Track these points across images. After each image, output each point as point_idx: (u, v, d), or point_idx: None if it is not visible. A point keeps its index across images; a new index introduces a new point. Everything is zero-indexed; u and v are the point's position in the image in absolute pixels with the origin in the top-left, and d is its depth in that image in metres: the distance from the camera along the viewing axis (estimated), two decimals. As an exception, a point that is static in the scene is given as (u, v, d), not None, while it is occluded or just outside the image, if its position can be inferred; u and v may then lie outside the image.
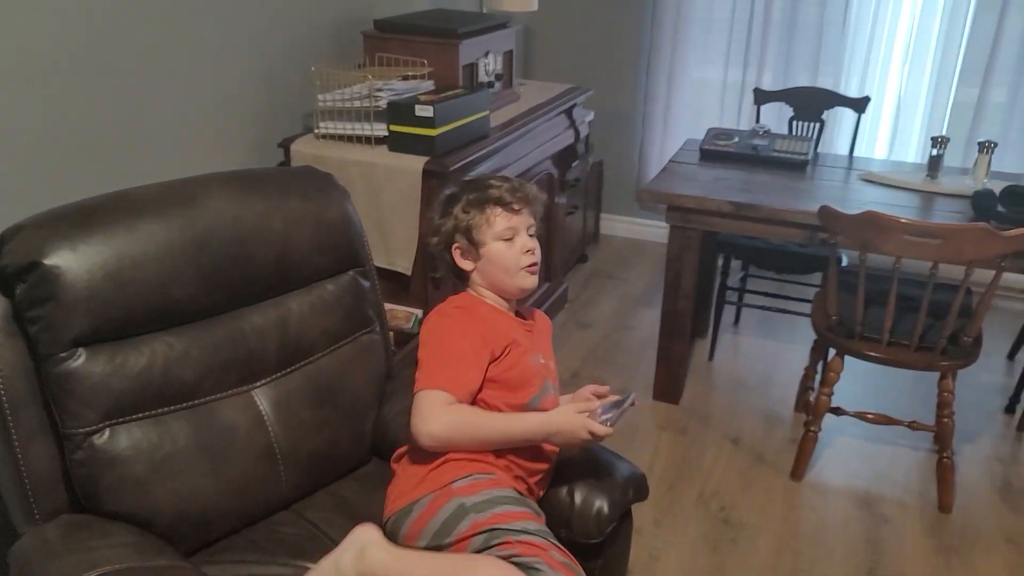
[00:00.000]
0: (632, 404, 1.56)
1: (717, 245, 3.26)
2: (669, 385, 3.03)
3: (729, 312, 3.63)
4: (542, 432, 1.52)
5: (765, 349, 3.48)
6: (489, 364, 1.54)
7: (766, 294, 3.46)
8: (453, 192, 1.65)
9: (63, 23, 1.90)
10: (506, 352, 1.55)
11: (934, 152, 2.84)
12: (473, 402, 1.53)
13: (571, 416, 1.52)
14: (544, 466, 1.60)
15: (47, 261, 1.42)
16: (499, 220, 1.59)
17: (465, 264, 1.63)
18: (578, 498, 1.63)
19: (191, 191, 1.62)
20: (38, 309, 1.42)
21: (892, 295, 2.36)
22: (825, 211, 2.39)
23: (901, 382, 3.20)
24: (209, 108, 2.35)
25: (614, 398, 1.61)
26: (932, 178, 2.85)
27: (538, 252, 1.62)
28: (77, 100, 1.97)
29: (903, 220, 2.25)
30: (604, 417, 1.53)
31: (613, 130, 4.35)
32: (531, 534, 1.39)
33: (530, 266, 1.60)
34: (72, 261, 1.44)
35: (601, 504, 1.62)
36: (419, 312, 2.54)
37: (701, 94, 4.16)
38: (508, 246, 1.59)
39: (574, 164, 3.51)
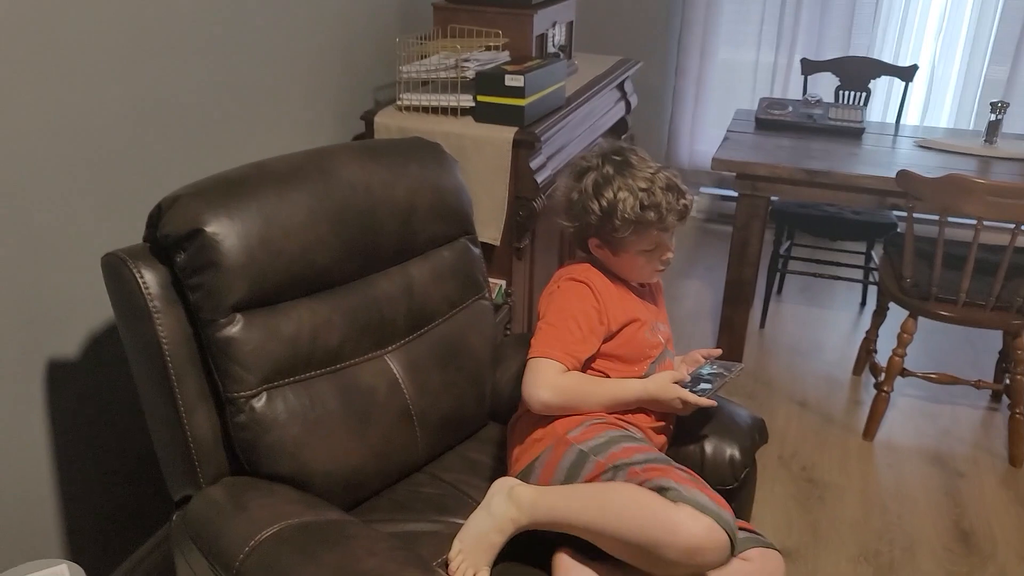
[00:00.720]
0: (740, 373, 1.61)
1: (771, 214, 3.31)
2: (731, 352, 3.07)
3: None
4: (639, 398, 1.57)
5: (811, 315, 3.54)
6: (604, 341, 1.58)
7: (813, 261, 3.52)
8: (603, 172, 1.57)
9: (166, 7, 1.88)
10: (622, 328, 1.59)
11: (993, 117, 2.90)
12: (584, 369, 1.57)
13: (666, 386, 1.56)
14: (659, 423, 1.63)
15: (208, 228, 1.43)
16: (650, 238, 1.56)
17: (597, 252, 1.63)
18: (708, 449, 1.68)
19: (324, 162, 1.63)
20: (200, 276, 1.43)
21: (971, 256, 2.43)
22: (905, 175, 2.44)
23: (947, 343, 3.28)
24: (293, 84, 2.34)
25: (717, 361, 1.66)
26: (990, 143, 2.92)
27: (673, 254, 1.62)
28: (176, 78, 1.94)
29: (985, 181, 2.31)
30: (701, 388, 1.57)
31: (644, 104, 4.36)
32: (651, 461, 1.43)
33: (660, 269, 1.62)
34: (230, 228, 1.45)
35: (732, 452, 1.67)
36: (503, 283, 2.55)
37: (733, 71, 4.19)
38: (648, 258, 1.59)
39: (623, 137, 3.53)
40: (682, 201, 1.54)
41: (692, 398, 1.55)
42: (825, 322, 3.49)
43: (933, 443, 2.73)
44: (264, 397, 1.48)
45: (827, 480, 2.53)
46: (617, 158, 1.59)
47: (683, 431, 1.70)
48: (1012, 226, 2.34)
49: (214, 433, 1.50)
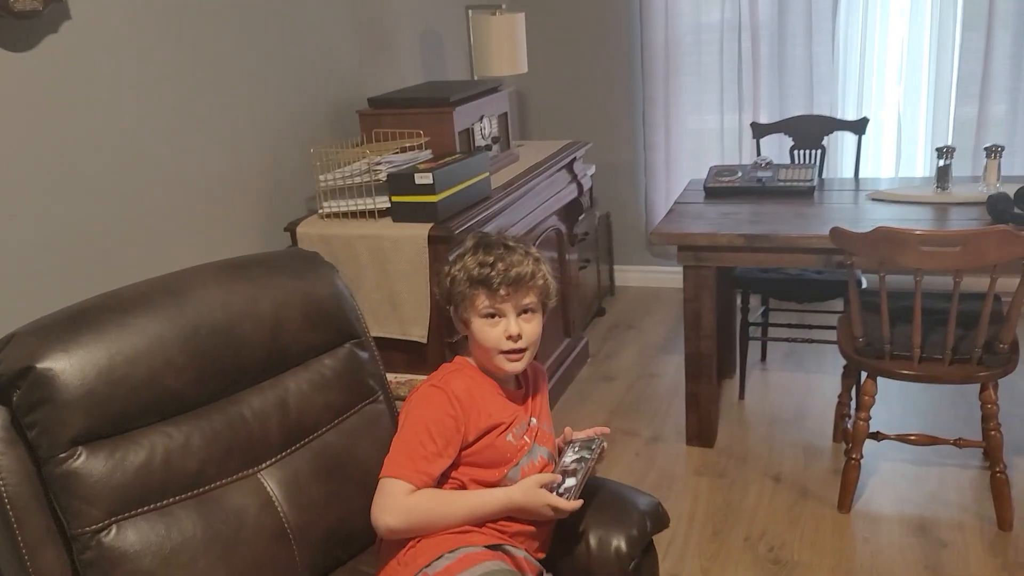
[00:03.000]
0: (602, 450, 1.55)
1: (734, 281, 3.23)
2: (701, 428, 2.96)
3: (755, 349, 3.57)
4: (505, 510, 1.50)
5: (795, 381, 3.40)
6: (462, 448, 1.52)
7: (790, 326, 3.40)
8: (466, 247, 1.59)
9: (64, 119, 1.94)
10: (482, 436, 1.52)
11: (941, 163, 2.81)
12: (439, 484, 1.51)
13: (532, 492, 1.49)
14: (527, 527, 1.54)
15: (40, 365, 1.41)
16: (482, 302, 1.53)
17: (460, 328, 1.61)
18: (593, 541, 1.58)
19: (179, 283, 1.63)
20: (35, 413, 1.41)
21: (917, 309, 2.31)
22: (837, 232, 2.36)
23: (938, 399, 3.11)
24: (213, 198, 2.37)
25: (578, 440, 1.59)
26: (942, 189, 2.81)
27: (529, 338, 1.53)
28: (78, 199, 1.99)
29: (917, 232, 2.21)
30: (566, 486, 1.49)
31: (617, 182, 4.36)
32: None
33: (510, 352, 1.53)
34: (65, 362, 1.43)
35: (619, 543, 1.57)
36: (438, 380, 2.51)
37: (700, 139, 4.17)
38: (491, 326, 1.53)
39: (580, 218, 3.51)
40: (515, 270, 1.50)
41: (561, 503, 1.48)
42: (809, 387, 3.34)
43: (916, 510, 2.55)
44: (113, 530, 1.43)
45: (796, 560, 2.37)
46: (483, 241, 1.58)
47: (568, 523, 1.60)
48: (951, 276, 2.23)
49: (63, 572, 1.44)
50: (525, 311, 1.54)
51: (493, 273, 1.51)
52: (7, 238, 1.85)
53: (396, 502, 1.46)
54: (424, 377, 2.51)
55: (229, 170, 2.43)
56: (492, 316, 1.53)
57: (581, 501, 1.49)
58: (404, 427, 1.53)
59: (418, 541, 1.49)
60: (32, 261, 1.90)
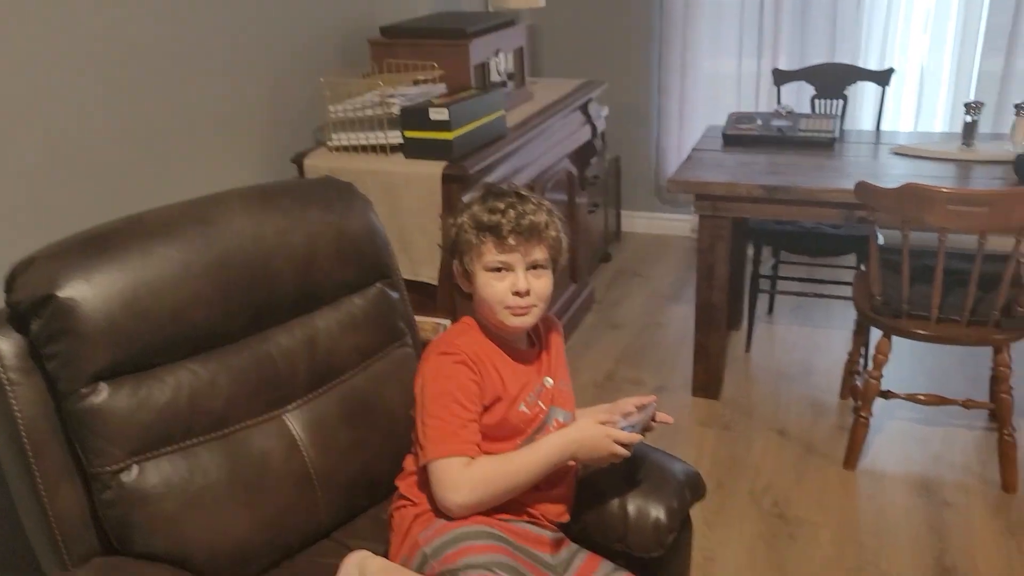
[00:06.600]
0: (654, 416, 1.48)
1: (747, 233, 3.17)
2: (708, 380, 2.94)
3: (763, 302, 3.53)
4: (564, 452, 1.42)
5: (802, 336, 3.37)
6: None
7: (800, 279, 3.36)
8: (474, 196, 1.50)
9: (68, 43, 1.85)
10: (491, 404, 1.44)
11: (968, 119, 2.74)
12: None
13: (591, 427, 1.43)
14: (552, 491, 1.48)
15: (61, 293, 1.35)
16: (489, 251, 1.42)
17: (463, 284, 1.51)
18: (631, 509, 1.52)
19: (207, 211, 1.55)
20: (55, 344, 1.36)
21: (939, 269, 2.26)
22: (862, 187, 2.30)
23: (948, 360, 3.09)
24: (218, 126, 2.29)
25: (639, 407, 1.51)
26: (968, 146, 2.75)
27: (538, 294, 1.43)
28: (82, 124, 1.91)
29: (946, 190, 2.15)
30: (625, 424, 1.43)
31: (628, 125, 4.26)
32: (474, 568, 1.30)
33: (515, 307, 1.42)
34: (87, 292, 1.37)
35: (658, 514, 1.51)
36: (447, 322, 2.46)
37: (716, 84, 4.07)
38: (497, 279, 1.42)
39: (592, 161, 3.43)
40: (528, 218, 1.41)
41: (623, 435, 1.40)
42: (816, 343, 3.32)
43: (921, 470, 2.54)
44: (135, 470, 1.39)
45: (800, 516, 2.37)
46: (493, 190, 1.49)
47: (604, 488, 1.54)
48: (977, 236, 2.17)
49: (82, 511, 1.41)
50: (535, 266, 1.44)
51: (503, 220, 1.41)
52: (9, 157, 1.78)
53: (460, 478, 1.37)
54: (433, 320, 2.48)
55: (236, 96, 2.34)
56: (499, 270, 1.43)
57: (642, 436, 1.43)
58: (429, 402, 1.43)
59: (416, 517, 1.44)
60: (35, 183, 1.83)
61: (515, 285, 1.42)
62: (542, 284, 1.44)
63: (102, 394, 1.37)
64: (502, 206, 1.42)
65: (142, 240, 1.46)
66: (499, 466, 1.40)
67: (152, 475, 1.40)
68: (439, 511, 1.41)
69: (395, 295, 1.81)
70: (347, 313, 1.71)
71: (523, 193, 1.46)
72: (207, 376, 1.49)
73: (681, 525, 1.57)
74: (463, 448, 1.39)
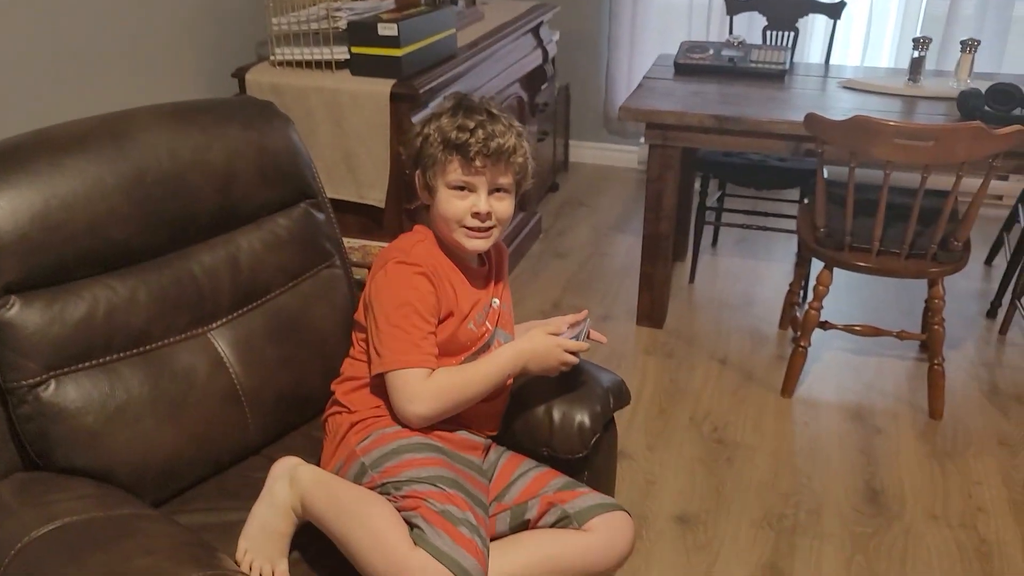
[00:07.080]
0: (588, 333, 1.51)
1: (694, 164, 3.17)
2: (652, 309, 2.97)
3: (707, 233, 3.57)
4: (517, 362, 1.45)
5: (745, 268, 3.43)
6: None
7: (745, 212, 3.39)
8: (444, 106, 1.45)
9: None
10: (445, 319, 1.44)
11: (916, 54, 2.76)
12: None
13: (542, 338, 1.46)
14: (490, 403, 1.50)
15: (-35, 204, 1.29)
16: (454, 170, 1.40)
17: (423, 196, 1.48)
18: (556, 415, 1.56)
19: (120, 125, 1.50)
20: (-40, 255, 1.30)
21: (882, 203, 2.30)
22: (812, 119, 2.30)
23: (883, 294, 3.17)
24: (155, 38, 2.18)
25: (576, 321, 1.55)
26: (914, 81, 2.77)
27: (499, 218, 1.42)
28: (15, 39, 1.79)
29: (893, 123, 2.17)
30: (571, 335, 1.48)
31: (578, 53, 4.20)
32: (417, 483, 1.30)
33: (473, 229, 1.41)
34: (-7, 204, 1.32)
35: (582, 418, 1.56)
36: (394, 246, 2.42)
37: (668, 12, 4.02)
38: (459, 198, 1.41)
39: (543, 87, 3.38)
40: (497, 140, 1.38)
41: (573, 344, 1.45)
42: (758, 274, 3.37)
43: (855, 398, 2.63)
44: (52, 385, 1.35)
45: (738, 441, 2.43)
46: (464, 103, 1.45)
47: (530, 397, 1.58)
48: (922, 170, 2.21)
49: (1, 426, 1.38)
50: (498, 190, 1.42)
51: (472, 140, 1.37)
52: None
53: (420, 389, 1.37)
54: (380, 245, 2.44)
55: (173, 6, 2.22)
56: (462, 189, 1.41)
57: (587, 345, 1.47)
58: (391, 311, 1.40)
59: (351, 427, 1.43)
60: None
61: (476, 206, 1.40)
62: (503, 207, 1.43)
63: (14, 307, 1.34)
64: (471, 125, 1.38)
65: (52, 153, 1.41)
66: (457, 377, 1.41)
67: (70, 390, 1.38)
68: (377, 419, 1.42)
69: (320, 216, 1.77)
70: (271, 232, 1.68)
71: (494, 112, 1.43)
72: (126, 292, 1.46)
73: (604, 428, 1.61)
74: (424, 360, 1.39)
